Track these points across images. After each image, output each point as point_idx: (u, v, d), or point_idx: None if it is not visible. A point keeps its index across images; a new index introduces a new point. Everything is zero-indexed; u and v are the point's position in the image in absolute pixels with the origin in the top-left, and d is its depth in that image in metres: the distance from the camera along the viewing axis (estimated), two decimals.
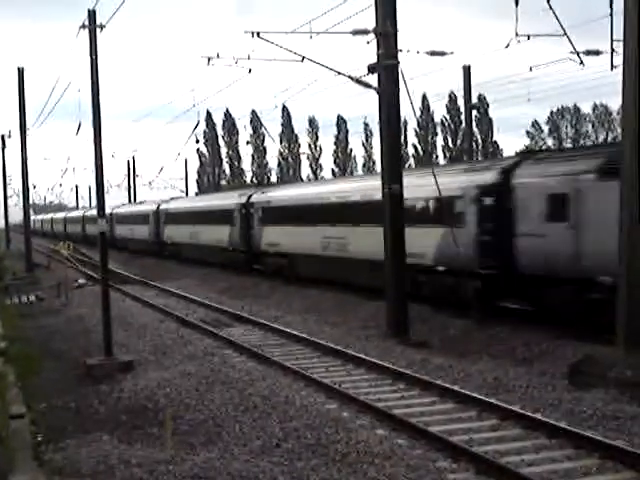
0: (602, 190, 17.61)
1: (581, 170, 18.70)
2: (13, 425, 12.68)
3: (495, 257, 21.06)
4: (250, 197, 38.49)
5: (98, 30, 18.63)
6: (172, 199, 59.59)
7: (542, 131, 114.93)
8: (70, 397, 15.55)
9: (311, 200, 32.09)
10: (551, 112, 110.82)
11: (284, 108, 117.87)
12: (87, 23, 18.60)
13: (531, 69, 27.00)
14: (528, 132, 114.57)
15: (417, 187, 23.30)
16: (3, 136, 57.31)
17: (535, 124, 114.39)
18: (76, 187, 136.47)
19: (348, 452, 11.12)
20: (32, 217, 61.70)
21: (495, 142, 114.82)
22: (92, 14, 18.60)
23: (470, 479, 10.27)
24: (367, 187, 26.91)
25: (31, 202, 54.22)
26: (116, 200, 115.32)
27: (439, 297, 23.43)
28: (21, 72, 45.58)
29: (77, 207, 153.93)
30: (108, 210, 47.30)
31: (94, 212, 69.65)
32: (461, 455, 10.90)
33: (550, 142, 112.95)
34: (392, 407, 13.51)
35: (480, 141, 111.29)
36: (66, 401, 15.28)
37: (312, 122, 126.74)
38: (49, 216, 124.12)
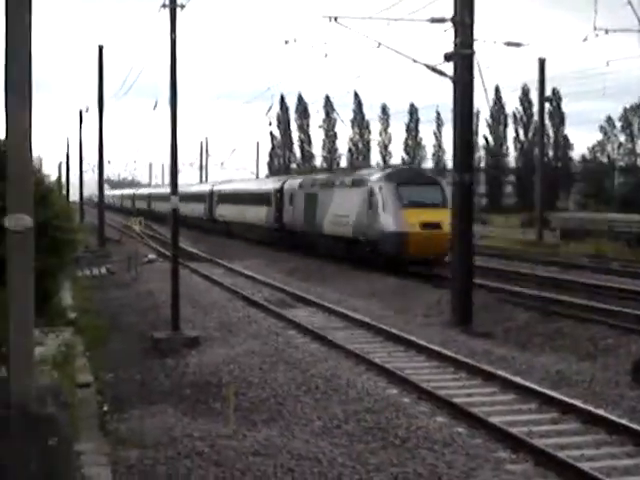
0: (299, 193, 40.73)
1: (297, 184, 42.09)
2: (80, 394, 12.97)
3: (279, 221, 44.12)
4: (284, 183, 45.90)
5: (178, 9, 18.84)
6: (223, 182, 65.01)
7: (615, 127, 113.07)
8: (136, 369, 15.83)
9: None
10: (624, 108, 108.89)
11: (356, 94, 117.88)
12: (168, 2, 18.81)
13: (608, 64, 26.66)
14: (601, 127, 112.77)
15: (259, 185, 52.07)
16: (81, 111, 58.22)
17: (609, 120, 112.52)
18: (149, 164, 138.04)
19: (408, 437, 11.18)
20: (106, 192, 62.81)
21: (565, 136, 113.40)
22: None
23: (529, 471, 10.25)
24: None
25: (105, 177, 54.90)
26: (189, 179, 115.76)
27: (264, 239, 47.50)
28: (101, 50, 46.25)
29: (149, 184, 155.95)
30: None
31: (160, 190, 77.66)
32: (520, 447, 10.88)
33: (622, 138, 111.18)
34: (453, 395, 13.52)
35: (552, 134, 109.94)
36: (132, 373, 15.56)
37: (384, 109, 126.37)
38: (119, 192, 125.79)
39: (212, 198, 61.03)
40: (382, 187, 30.78)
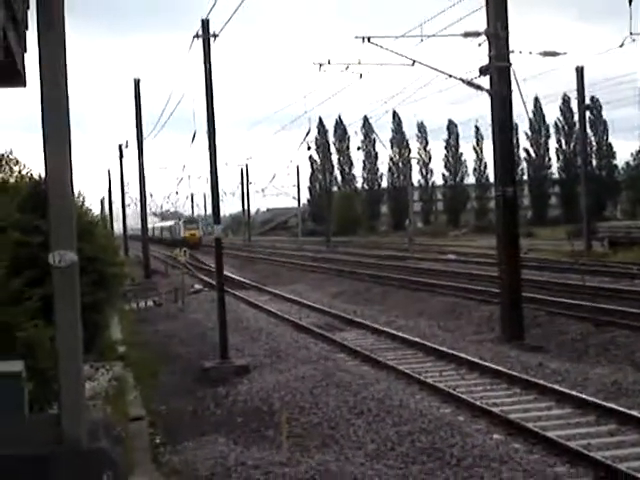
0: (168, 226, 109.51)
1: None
2: (132, 427, 12.96)
3: (168, 236, 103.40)
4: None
5: (211, 39, 18.94)
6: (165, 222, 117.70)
7: None
8: (187, 400, 15.81)
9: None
10: None
11: (394, 113, 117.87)
12: (200, 32, 18.92)
13: None
14: None
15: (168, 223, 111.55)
16: (121, 146, 58.77)
17: None
18: (191, 195, 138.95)
19: (464, 456, 11.01)
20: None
21: (610, 144, 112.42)
22: (205, 23, 18.92)
23: None
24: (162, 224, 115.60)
25: (148, 211, 55.33)
26: (231, 207, 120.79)
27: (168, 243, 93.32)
28: (137, 83, 46.72)
29: (192, 215, 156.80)
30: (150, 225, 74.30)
31: (166, 223, 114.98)
32: (579, 460, 10.67)
33: None
34: (508, 412, 13.32)
35: (594, 144, 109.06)
36: (183, 404, 15.54)
37: (421, 127, 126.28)
38: (151, 225, 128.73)
39: (168, 229, 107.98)
40: (179, 223, 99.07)
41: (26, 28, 7.16)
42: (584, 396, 13.87)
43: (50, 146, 8.63)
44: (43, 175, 10.98)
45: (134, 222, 79.37)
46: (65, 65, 8.43)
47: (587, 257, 45.01)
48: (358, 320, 25.33)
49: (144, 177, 47.89)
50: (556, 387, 14.70)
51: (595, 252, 48.21)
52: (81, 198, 18.82)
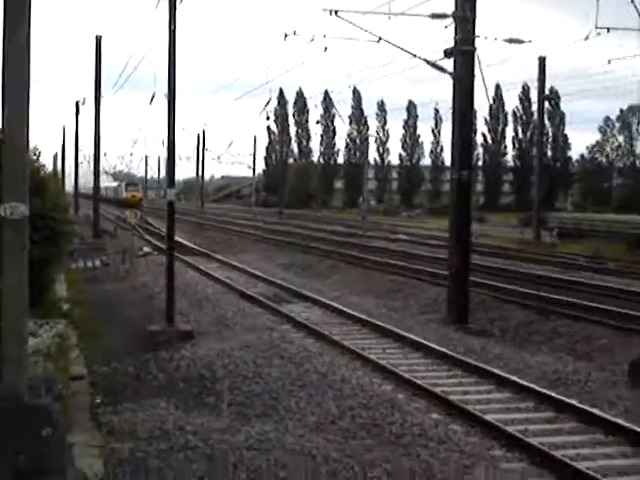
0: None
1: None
2: (73, 386, 12.89)
3: (113, 196, 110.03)
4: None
5: (178, 1, 18.73)
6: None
7: (614, 127, 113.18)
8: (130, 362, 15.72)
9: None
10: (621, 110, 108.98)
11: (355, 90, 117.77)
12: None
13: (609, 62, 26.68)
14: (600, 127, 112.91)
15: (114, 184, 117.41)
16: (77, 102, 58.07)
17: (607, 120, 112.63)
18: (145, 157, 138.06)
19: (403, 434, 11.11)
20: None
21: (565, 136, 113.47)
22: None
23: (524, 469, 10.17)
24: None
25: (101, 170, 54.79)
26: (185, 172, 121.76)
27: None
28: (99, 40, 46.12)
29: (145, 177, 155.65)
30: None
31: (111, 184, 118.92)
32: (516, 445, 10.81)
33: (621, 139, 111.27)
34: (448, 392, 13.44)
35: (551, 134, 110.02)
36: (125, 366, 15.45)
37: (381, 106, 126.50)
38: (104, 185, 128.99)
39: (113, 190, 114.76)
40: (122, 185, 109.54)
41: None
42: (524, 382, 14.04)
43: (8, 96, 8.51)
44: None
45: (86, 180, 78.69)
46: (28, 15, 8.30)
47: (536, 246, 45.55)
48: (306, 293, 25.36)
49: (99, 136, 47.39)
50: (497, 371, 14.85)
51: (544, 242, 48.78)
52: (36, 153, 18.61)
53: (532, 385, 13.83)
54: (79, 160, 66.64)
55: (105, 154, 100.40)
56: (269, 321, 20.33)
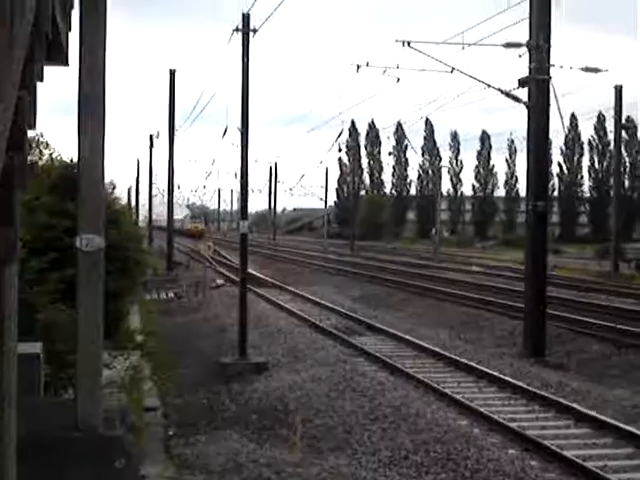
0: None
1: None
2: (146, 418, 12.92)
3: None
4: None
5: (251, 34, 18.88)
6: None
7: None
8: (203, 394, 15.76)
9: None
10: None
11: (427, 121, 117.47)
12: (240, 26, 18.87)
13: None
14: None
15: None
16: (152, 136, 58.93)
17: None
18: (219, 190, 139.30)
19: (478, 469, 10.89)
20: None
21: None
22: (246, 17, 18.88)
23: None
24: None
25: (175, 202, 55.43)
26: (257, 204, 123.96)
27: None
28: (172, 74, 46.77)
29: (218, 209, 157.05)
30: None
31: (178, 217, 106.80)
32: None
33: None
34: (525, 427, 13.17)
35: (628, 164, 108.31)
36: (198, 398, 15.49)
37: (454, 136, 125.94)
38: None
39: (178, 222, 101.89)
40: (188, 217, 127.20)
41: (71, 7, 7.15)
42: (603, 417, 13.70)
43: (84, 130, 8.60)
44: (74, 159, 11.01)
45: (160, 212, 79.66)
46: (104, 49, 8.40)
47: (614, 278, 44.69)
48: (378, 325, 25.20)
49: (173, 168, 48.00)
50: (575, 406, 14.52)
51: (622, 273, 47.86)
52: (111, 186, 18.87)
53: (611, 420, 13.49)
54: (153, 193, 67.46)
55: (179, 187, 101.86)
56: (341, 354, 20.21)
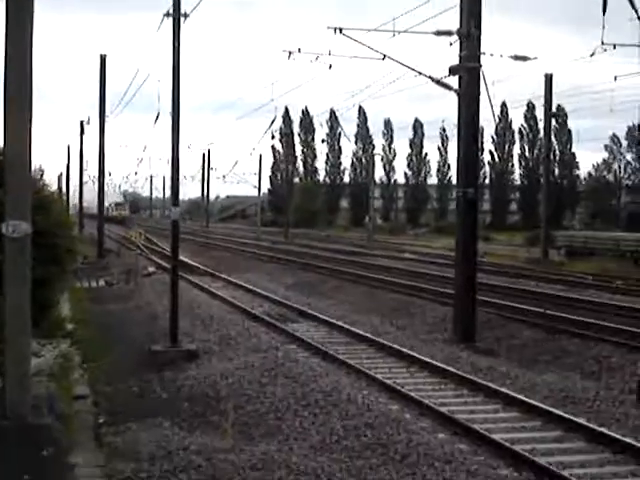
0: None
1: None
2: (76, 406, 12.81)
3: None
4: None
5: (182, 19, 18.72)
6: None
7: (621, 145, 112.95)
8: (133, 382, 15.63)
9: None
10: (628, 127, 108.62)
11: (360, 108, 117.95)
12: (172, 11, 18.70)
13: (616, 79, 26.61)
14: (606, 146, 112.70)
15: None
16: (82, 122, 58.19)
17: (614, 138, 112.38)
18: (150, 177, 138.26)
19: (408, 453, 10.98)
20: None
21: (573, 154, 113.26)
22: (177, 2, 18.71)
23: None
24: None
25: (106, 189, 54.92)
26: (191, 192, 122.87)
27: None
28: (103, 59, 46.26)
29: (150, 197, 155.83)
30: None
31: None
32: (523, 464, 10.69)
33: (629, 157, 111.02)
34: (455, 412, 13.32)
35: (558, 152, 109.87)
36: (129, 385, 15.37)
37: (387, 124, 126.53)
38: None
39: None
40: (112, 205, 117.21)
41: None
42: (531, 401, 13.91)
43: (10, 116, 8.49)
44: (1, 146, 10.83)
45: (91, 199, 78.88)
46: (31, 32, 8.28)
47: (543, 265, 45.40)
48: (311, 312, 25.27)
49: (104, 155, 47.52)
50: (504, 390, 14.73)
51: (552, 260, 48.63)
52: (39, 172, 18.60)
53: (539, 404, 13.71)
54: (84, 179, 66.68)
55: (110, 174, 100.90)
56: (274, 340, 20.23)
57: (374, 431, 11.97)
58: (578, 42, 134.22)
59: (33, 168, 10.29)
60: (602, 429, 12.24)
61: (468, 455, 11.10)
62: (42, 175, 18.65)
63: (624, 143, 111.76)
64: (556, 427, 12.65)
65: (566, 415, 12.96)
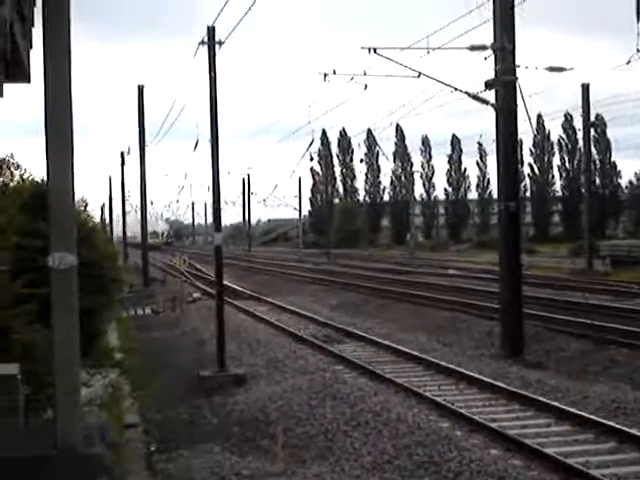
0: None
1: None
2: (127, 435, 12.87)
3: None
4: None
5: (217, 46, 18.87)
6: None
7: None
8: (183, 408, 15.71)
9: None
10: None
11: (398, 126, 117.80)
12: (206, 39, 18.87)
13: None
14: None
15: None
16: (122, 153, 58.76)
17: None
18: (192, 204, 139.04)
19: (461, 471, 10.91)
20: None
21: (613, 163, 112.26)
22: (211, 30, 18.87)
23: None
24: None
25: (149, 218, 55.34)
26: (232, 217, 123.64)
27: None
28: (140, 90, 46.73)
29: (192, 223, 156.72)
30: None
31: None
32: (578, 477, 10.58)
33: None
34: (506, 427, 13.22)
35: (598, 162, 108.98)
36: (179, 412, 15.44)
37: (425, 141, 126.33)
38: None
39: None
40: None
41: (32, 24, 7.14)
42: (583, 413, 13.77)
43: (53, 149, 8.58)
44: (45, 178, 10.97)
45: (135, 229, 79.60)
46: (69, 66, 8.38)
47: (588, 275, 44.96)
48: (357, 332, 25.25)
49: (145, 184, 47.90)
50: (555, 404, 14.60)
51: (596, 271, 48.15)
52: (82, 204, 18.79)
53: (591, 416, 13.56)
54: (127, 209, 67.29)
55: (152, 202, 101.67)
56: (321, 362, 20.22)
57: (426, 449, 11.91)
58: (615, 50, 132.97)
59: (76, 200, 10.40)
60: None
61: (522, 470, 11.00)
62: (86, 206, 18.84)
63: None
64: (609, 439, 12.51)
65: (619, 426, 12.81)
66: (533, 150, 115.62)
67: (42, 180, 15.77)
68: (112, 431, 11.42)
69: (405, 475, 10.86)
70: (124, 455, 11.21)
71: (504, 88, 20.21)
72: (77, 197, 14.52)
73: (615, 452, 11.97)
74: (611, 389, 16.38)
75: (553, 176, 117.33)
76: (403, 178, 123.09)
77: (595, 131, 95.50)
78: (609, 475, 10.64)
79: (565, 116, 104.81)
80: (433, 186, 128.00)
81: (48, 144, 8.55)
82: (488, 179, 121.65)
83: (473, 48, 20.60)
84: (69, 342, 8.66)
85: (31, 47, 6.75)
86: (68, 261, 8.53)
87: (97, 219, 24.35)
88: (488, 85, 20.46)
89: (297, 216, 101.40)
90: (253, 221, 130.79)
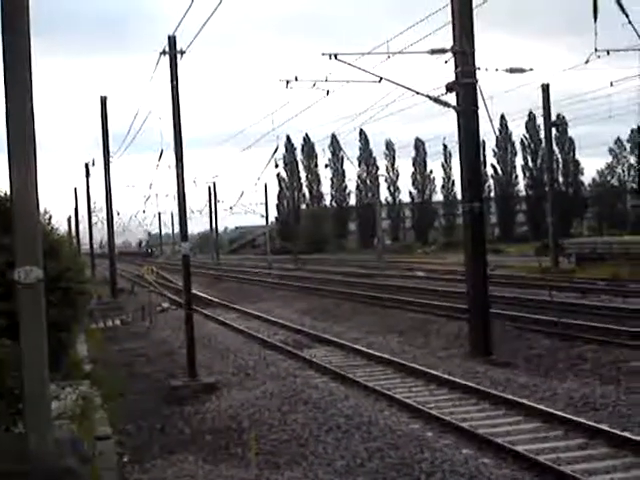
0: None
1: None
2: (99, 446, 12.82)
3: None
4: None
5: (178, 56, 18.88)
6: None
7: (625, 149, 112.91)
8: (155, 418, 15.67)
9: None
10: (632, 130, 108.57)
11: (361, 131, 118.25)
12: (167, 49, 18.87)
13: (612, 84, 26.64)
14: (611, 150, 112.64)
15: None
16: (87, 164, 58.41)
17: (618, 142, 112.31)
18: (159, 214, 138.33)
19: (433, 471, 10.99)
20: None
21: (577, 161, 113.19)
22: (172, 40, 18.87)
23: None
24: None
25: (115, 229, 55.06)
26: (199, 226, 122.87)
27: None
28: (103, 101, 46.52)
29: (160, 233, 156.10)
30: None
31: None
32: (549, 474, 10.68)
33: (632, 160, 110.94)
34: (477, 426, 13.31)
35: (561, 161, 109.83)
36: (151, 422, 15.40)
37: (389, 145, 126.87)
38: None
39: None
40: None
41: None
42: (552, 410, 13.90)
43: (15, 163, 8.57)
44: (8, 192, 10.93)
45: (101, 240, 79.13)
46: (30, 79, 8.38)
47: (554, 273, 45.29)
48: (327, 337, 25.29)
49: (111, 195, 47.67)
50: (524, 401, 14.72)
51: (562, 268, 48.53)
52: (47, 216, 18.68)
53: (560, 412, 13.69)
54: (93, 220, 66.86)
55: (118, 213, 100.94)
56: (292, 367, 20.26)
57: (397, 452, 11.99)
58: (573, 52, 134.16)
59: (40, 213, 10.37)
60: (625, 434, 12.21)
61: (493, 469, 11.10)
62: (50, 219, 18.72)
63: (627, 146, 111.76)
64: (579, 435, 12.63)
65: (588, 422, 12.94)
66: (496, 151, 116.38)
67: (5, 194, 15.66)
68: (84, 443, 11.38)
69: (378, 478, 10.92)
70: (97, 467, 11.17)
71: (465, 90, 20.36)
72: (42, 210, 14.48)
73: (585, 448, 12.08)
74: (579, 385, 16.55)
75: (517, 176, 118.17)
76: (368, 182, 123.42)
77: (557, 130, 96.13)
78: (579, 471, 10.74)
79: (528, 116, 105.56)
80: (398, 189, 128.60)
81: (10, 159, 8.53)
82: (453, 181, 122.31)
83: (433, 52, 20.72)
84: (38, 355, 8.65)
85: None
86: (34, 275, 8.52)
87: (63, 231, 24.20)
88: (449, 88, 20.61)
89: (264, 223, 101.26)
90: (220, 229, 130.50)
